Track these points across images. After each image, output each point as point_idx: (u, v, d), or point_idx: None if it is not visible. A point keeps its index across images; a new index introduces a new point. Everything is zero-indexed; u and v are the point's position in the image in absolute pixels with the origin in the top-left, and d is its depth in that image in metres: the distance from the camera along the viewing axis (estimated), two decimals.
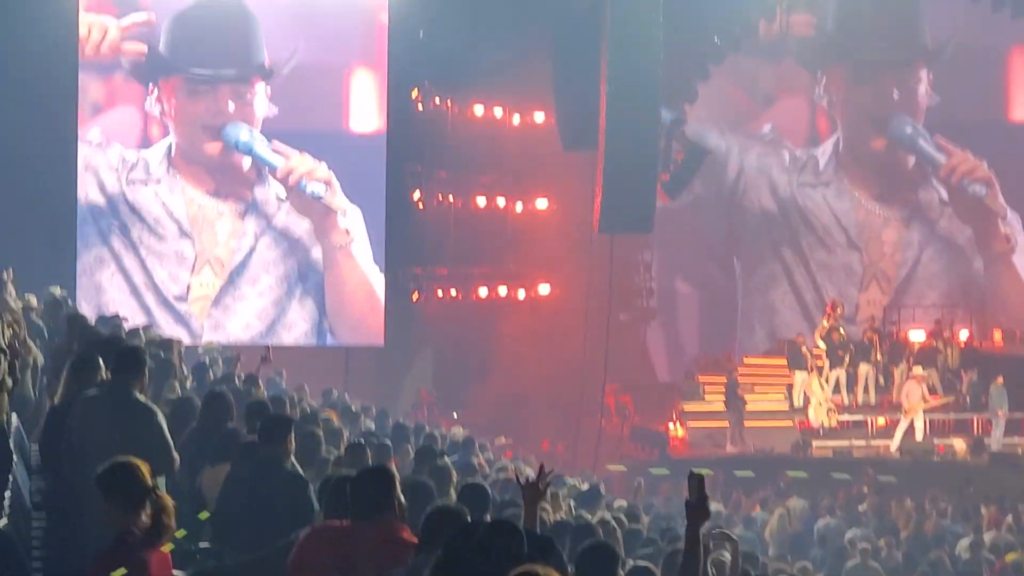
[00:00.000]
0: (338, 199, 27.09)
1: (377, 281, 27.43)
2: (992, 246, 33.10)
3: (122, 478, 6.06)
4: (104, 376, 8.93)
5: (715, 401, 29.39)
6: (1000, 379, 26.83)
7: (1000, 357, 29.03)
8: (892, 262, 34.09)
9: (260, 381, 14.88)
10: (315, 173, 26.96)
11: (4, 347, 8.99)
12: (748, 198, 34.67)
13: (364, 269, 27.44)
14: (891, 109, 32.98)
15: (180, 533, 6.16)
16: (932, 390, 27.53)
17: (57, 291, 17.93)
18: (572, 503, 13.44)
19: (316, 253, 27.45)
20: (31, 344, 12.15)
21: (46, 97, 25.06)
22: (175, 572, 6.60)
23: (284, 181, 27.06)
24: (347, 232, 27.22)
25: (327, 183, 26.94)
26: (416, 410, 26.91)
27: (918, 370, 27.32)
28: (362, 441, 11.24)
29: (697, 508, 6.38)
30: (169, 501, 6.16)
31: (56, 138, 25.74)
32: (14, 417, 11.14)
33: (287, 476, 8.47)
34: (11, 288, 16.25)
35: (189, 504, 9.42)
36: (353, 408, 17.70)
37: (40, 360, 12.03)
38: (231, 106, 27.12)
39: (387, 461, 9.97)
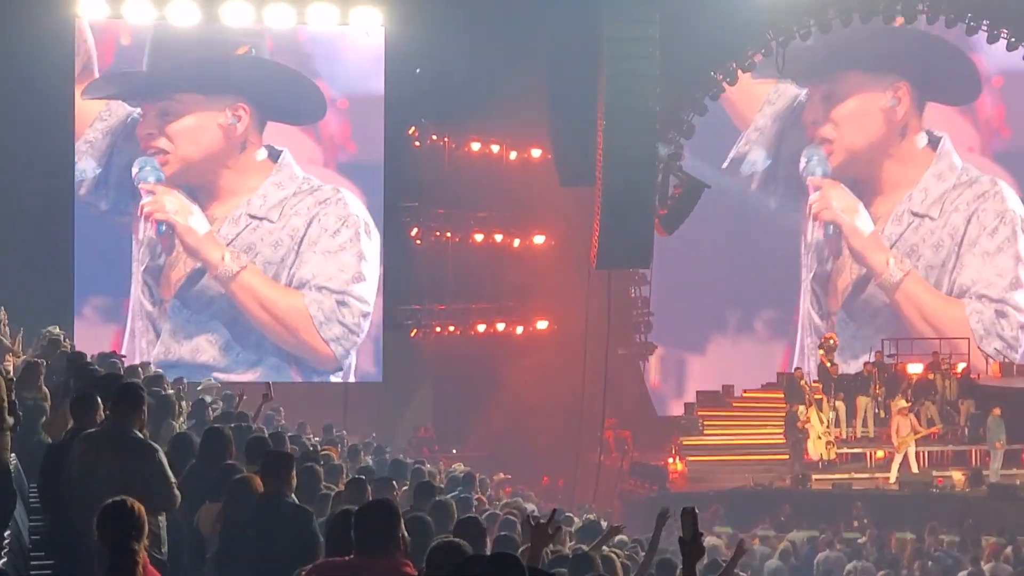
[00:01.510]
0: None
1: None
2: None
3: (127, 515, 6.04)
4: (103, 414, 8.90)
5: (714, 435, 29.44)
6: (997, 411, 26.81)
7: (997, 389, 29.01)
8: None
9: (259, 418, 14.91)
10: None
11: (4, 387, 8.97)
12: (746, 230, 34.84)
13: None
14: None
15: None
16: (931, 423, 27.49)
17: (54, 330, 17.95)
18: (571, 536, 13.44)
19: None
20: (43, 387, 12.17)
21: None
22: None
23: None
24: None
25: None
26: (414, 446, 26.90)
27: (903, 403, 27.27)
28: (363, 476, 11.20)
29: (692, 545, 6.32)
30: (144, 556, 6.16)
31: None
32: (13, 457, 11.13)
33: (292, 510, 8.44)
34: (4, 328, 16.25)
35: (190, 540, 9.40)
36: (354, 444, 17.69)
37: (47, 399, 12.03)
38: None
39: (388, 495, 9.91)
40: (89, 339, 23.08)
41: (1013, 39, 30.32)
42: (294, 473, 8.86)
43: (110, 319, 27.41)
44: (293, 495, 8.73)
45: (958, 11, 29.97)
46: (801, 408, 27.83)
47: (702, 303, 34.58)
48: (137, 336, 27.46)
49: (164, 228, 27.59)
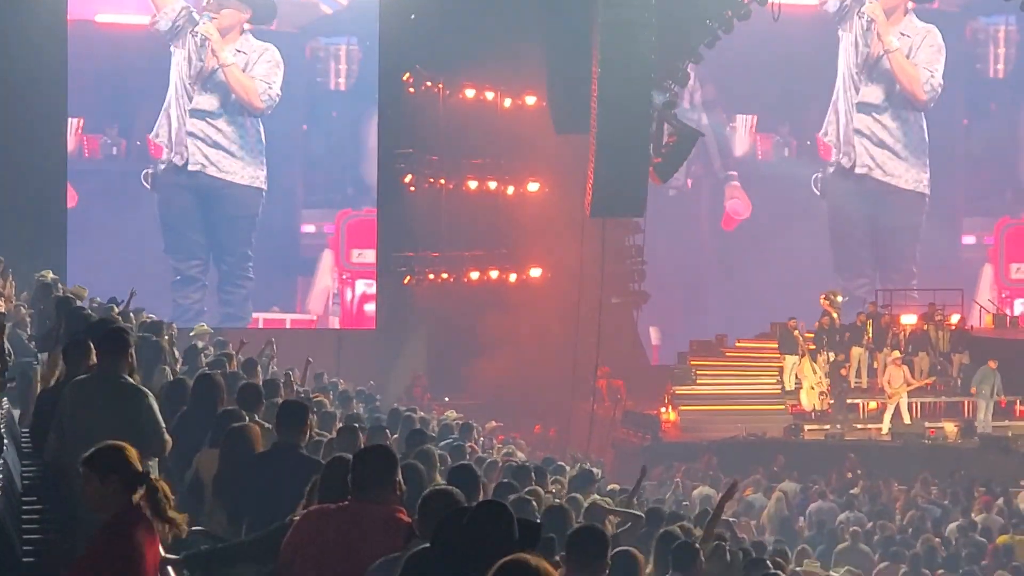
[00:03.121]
0: None
1: None
2: None
3: (116, 460, 5.99)
4: (94, 360, 8.86)
5: (707, 384, 29.48)
6: (993, 363, 26.84)
7: (991, 341, 29.04)
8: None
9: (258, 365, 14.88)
10: None
11: None
12: (740, 181, 34.94)
13: None
14: None
15: (183, 522, 6.09)
16: (921, 374, 27.56)
17: (48, 275, 17.89)
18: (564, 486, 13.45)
19: None
20: None
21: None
22: (168, 555, 6.56)
23: None
24: None
25: None
26: (409, 393, 26.92)
27: (896, 354, 27.36)
28: (356, 424, 11.18)
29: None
30: (164, 485, 6.12)
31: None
32: (6, 402, 11.12)
33: (305, 462, 8.38)
34: None
35: (180, 486, 9.38)
36: (348, 392, 17.68)
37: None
38: None
39: (383, 442, 9.90)
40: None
41: None
42: (308, 424, 8.85)
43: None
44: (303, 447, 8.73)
45: None
46: (793, 358, 27.94)
47: (697, 251, 34.70)
48: None
49: None
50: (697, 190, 34.89)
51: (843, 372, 27.70)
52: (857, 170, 34.43)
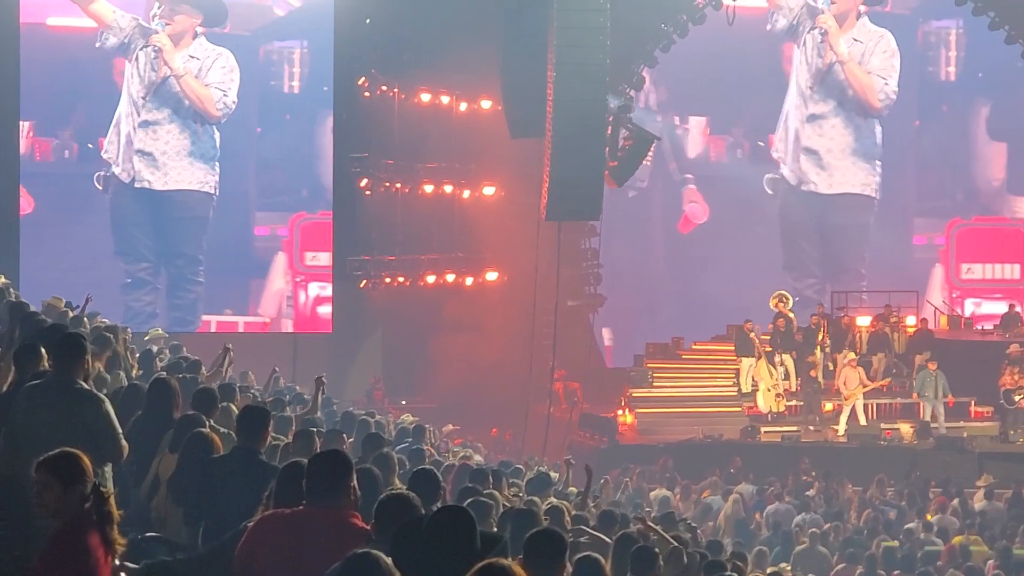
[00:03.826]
0: None
1: None
2: None
3: (79, 468, 5.99)
4: (47, 365, 8.77)
5: (663, 387, 29.51)
6: (932, 364, 26.96)
7: (947, 342, 29.18)
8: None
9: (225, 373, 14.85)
10: None
11: None
12: (695, 184, 35.10)
13: None
14: None
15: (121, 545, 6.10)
16: (877, 376, 27.68)
17: (0, 279, 17.72)
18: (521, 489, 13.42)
19: None
20: None
21: None
22: (128, 564, 6.53)
23: None
24: None
25: None
26: (370, 396, 26.84)
27: (851, 355, 27.48)
28: (311, 428, 11.11)
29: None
30: (110, 492, 6.12)
31: None
32: None
33: (264, 468, 8.32)
34: None
35: (136, 490, 9.30)
36: (303, 395, 17.58)
37: None
38: None
39: (339, 447, 9.85)
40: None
41: None
42: (268, 429, 8.80)
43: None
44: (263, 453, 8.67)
45: None
46: (749, 360, 28.02)
47: (652, 255, 34.77)
48: None
49: None
50: (652, 193, 34.93)
51: (812, 373, 27.78)
52: (803, 188, 34.59)
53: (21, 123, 27.30)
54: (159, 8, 27.60)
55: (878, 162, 34.70)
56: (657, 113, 34.07)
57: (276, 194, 28.98)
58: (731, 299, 31.32)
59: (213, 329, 27.22)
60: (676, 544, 11.43)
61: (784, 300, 28.87)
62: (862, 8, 33.97)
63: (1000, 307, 32.38)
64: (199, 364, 15.01)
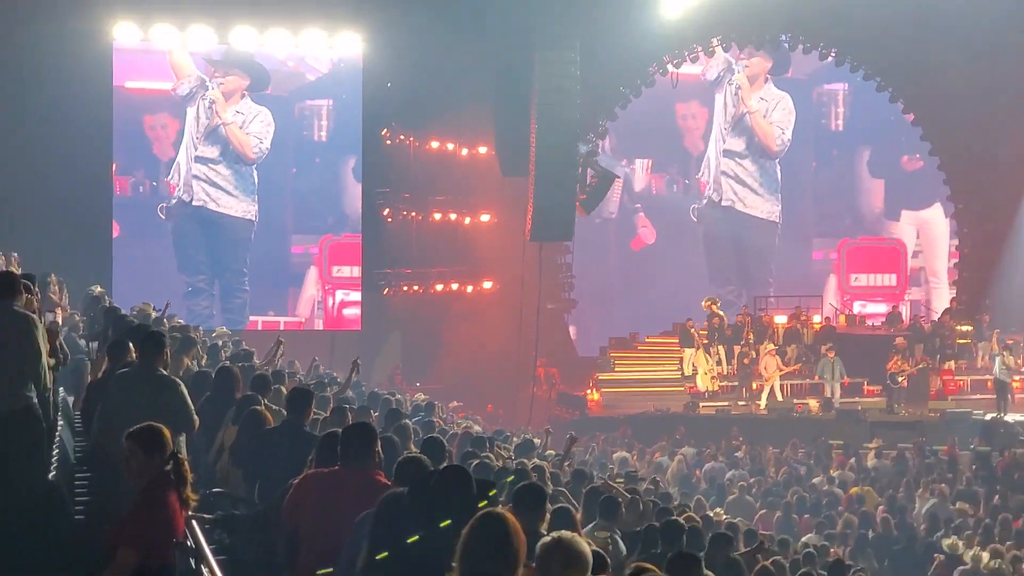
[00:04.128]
0: None
1: None
2: None
3: (159, 438, 5.97)
4: (134, 356, 8.68)
5: (623, 371, 29.47)
6: (831, 353, 26.92)
7: (845, 336, 29.17)
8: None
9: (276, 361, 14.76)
10: None
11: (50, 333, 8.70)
12: (647, 212, 35.19)
13: None
14: None
15: (193, 501, 6.04)
16: (790, 362, 27.65)
17: (96, 289, 17.64)
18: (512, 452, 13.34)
19: None
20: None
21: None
22: (203, 515, 6.52)
23: None
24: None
25: None
26: (391, 380, 26.73)
27: (770, 346, 27.46)
28: (345, 406, 11.01)
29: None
30: (185, 458, 6.08)
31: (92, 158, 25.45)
32: (62, 391, 10.88)
33: (307, 437, 8.25)
34: (55, 287, 15.95)
35: (204, 456, 9.20)
36: (338, 378, 17.46)
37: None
38: None
39: (367, 420, 9.75)
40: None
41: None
42: (311, 407, 8.77)
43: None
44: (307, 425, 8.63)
45: (812, 41, 30.52)
46: (690, 350, 27.95)
47: (615, 267, 34.77)
48: None
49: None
50: (610, 220, 35.02)
51: (746, 361, 27.65)
52: (723, 203, 35.04)
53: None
54: (217, 70, 27.62)
55: (779, 195, 35.09)
56: (611, 156, 34.12)
57: (308, 220, 28.83)
58: (674, 302, 31.26)
59: (259, 327, 27.06)
60: (633, 496, 11.38)
61: (715, 302, 28.87)
62: (768, 69, 34.36)
63: (881, 308, 32.57)
64: (252, 354, 14.93)
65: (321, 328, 28.18)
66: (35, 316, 8.15)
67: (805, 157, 35.53)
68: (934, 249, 34.71)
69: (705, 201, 35.11)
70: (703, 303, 28.90)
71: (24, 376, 7.88)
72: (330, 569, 6.10)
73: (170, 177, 27.66)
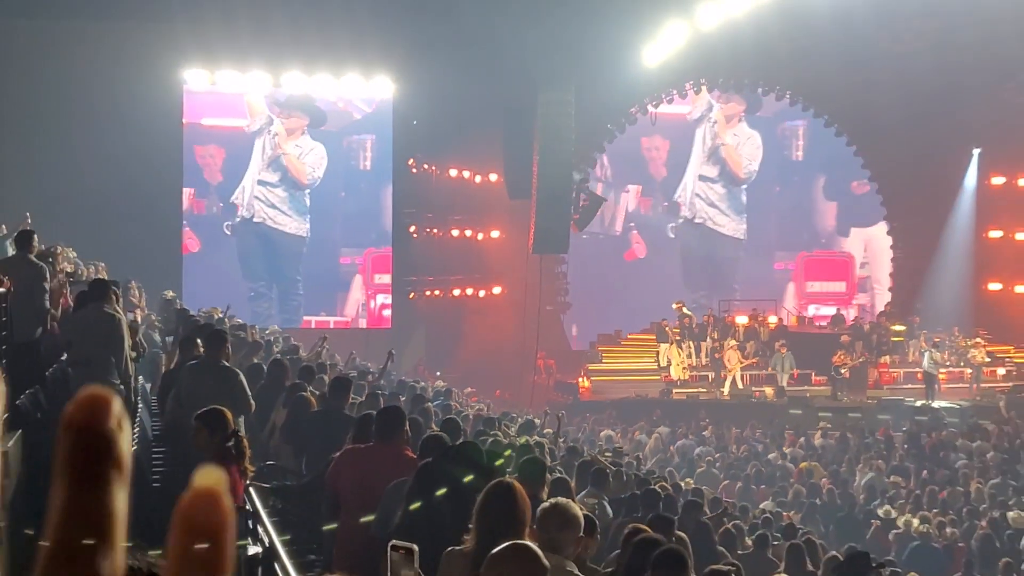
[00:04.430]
0: None
1: None
2: None
3: (222, 419, 5.97)
4: (200, 350, 8.74)
5: (609, 362, 29.45)
6: (784, 348, 26.91)
7: (797, 334, 29.16)
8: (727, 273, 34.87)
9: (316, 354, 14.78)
10: None
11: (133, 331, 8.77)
12: (631, 231, 35.22)
13: None
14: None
15: (251, 470, 6.09)
16: (749, 356, 27.62)
17: (169, 293, 17.69)
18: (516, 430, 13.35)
19: None
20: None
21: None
22: (261, 484, 6.56)
23: None
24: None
25: None
26: (415, 371, 26.74)
27: (733, 342, 27.43)
28: (377, 391, 11.06)
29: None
30: (244, 435, 6.12)
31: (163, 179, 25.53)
32: (141, 378, 10.93)
33: (346, 420, 8.29)
34: (135, 292, 16.02)
35: (260, 434, 9.25)
36: (371, 368, 17.50)
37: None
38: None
39: (396, 404, 9.78)
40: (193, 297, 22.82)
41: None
42: (349, 393, 8.80)
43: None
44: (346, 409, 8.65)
45: (771, 85, 30.54)
46: (665, 345, 27.93)
47: (603, 276, 34.77)
48: None
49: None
50: (598, 235, 35.09)
51: (717, 356, 27.66)
52: (696, 220, 35.05)
53: (185, 190, 27.29)
54: (282, 110, 27.71)
55: (744, 216, 35.18)
56: (610, 184, 34.41)
57: (355, 235, 28.87)
58: (652, 304, 31.27)
59: (313, 326, 27.09)
60: (618, 468, 11.40)
61: (682, 304, 28.95)
62: (742, 112, 34.43)
63: (832, 311, 32.54)
64: (299, 348, 14.96)
65: (364, 327, 28.20)
66: (121, 315, 8.23)
67: (770, 182, 35.65)
68: (878, 261, 34.67)
69: (681, 220, 35.34)
70: (673, 305, 28.92)
71: (112, 364, 7.96)
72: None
73: (234, 197, 27.76)
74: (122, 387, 8.02)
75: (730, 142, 34.69)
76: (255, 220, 27.70)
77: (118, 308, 8.52)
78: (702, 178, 34.93)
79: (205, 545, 0.51)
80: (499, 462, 5.88)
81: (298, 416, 8.66)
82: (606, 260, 35.01)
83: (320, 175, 28.02)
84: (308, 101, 27.68)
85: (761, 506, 16.86)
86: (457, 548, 4.33)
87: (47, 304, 8.54)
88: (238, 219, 27.72)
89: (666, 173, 35.20)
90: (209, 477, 0.53)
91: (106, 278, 10.27)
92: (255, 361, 11.35)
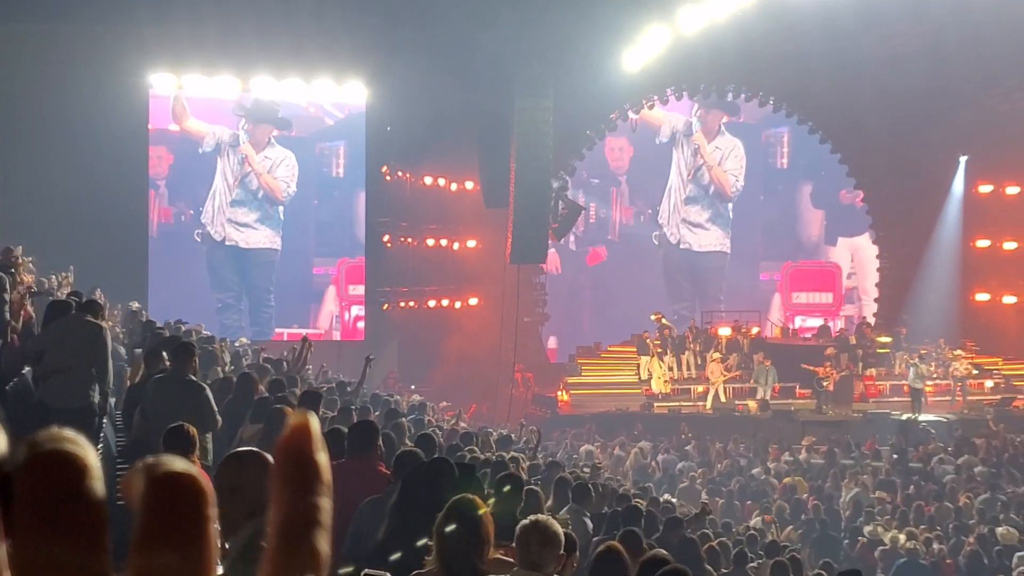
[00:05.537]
0: None
1: None
2: None
3: (191, 435, 5.97)
4: (166, 364, 8.70)
5: (588, 375, 29.48)
6: (767, 361, 27.04)
7: (779, 346, 29.28)
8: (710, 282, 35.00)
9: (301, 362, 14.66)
10: None
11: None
12: (610, 239, 35.28)
13: None
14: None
15: None
16: (729, 368, 27.71)
17: (135, 304, 17.59)
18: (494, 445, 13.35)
19: None
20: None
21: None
22: None
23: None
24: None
25: None
26: (385, 384, 26.67)
27: (715, 355, 27.53)
28: (350, 407, 11.04)
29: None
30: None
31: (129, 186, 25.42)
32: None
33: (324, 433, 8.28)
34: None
35: (227, 448, 9.20)
36: (341, 381, 17.45)
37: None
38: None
39: (368, 419, 9.77)
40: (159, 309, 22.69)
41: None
42: (319, 406, 8.80)
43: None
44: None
45: (754, 91, 30.71)
46: (646, 358, 27.99)
47: (582, 286, 34.83)
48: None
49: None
50: (568, 246, 35.23)
51: (704, 372, 27.76)
52: (681, 246, 35.20)
53: (152, 195, 27.20)
54: (246, 123, 27.61)
55: (729, 230, 35.32)
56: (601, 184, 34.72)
57: (328, 245, 28.81)
58: (633, 316, 31.36)
59: (285, 338, 26.99)
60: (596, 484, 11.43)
61: (661, 316, 29.06)
62: (723, 121, 34.49)
63: (819, 322, 32.70)
64: (269, 369, 14.82)
65: (338, 339, 28.14)
66: (106, 327, 8.21)
67: (755, 191, 35.80)
68: (865, 271, 34.91)
69: (664, 233, 35.46)
70: (651, 316, 29.03)
71: (92, 376, 7.94)
72: (351, 568, 6.11)
73: (203, 216, 27.61)
74: (97, 401, 7.98)
75: (713, 160, 34.77)
76: (226, 244, 27.62)
77: (102, 322, 8.49)
78: (688, 200, 35.02)
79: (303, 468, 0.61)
80: (472, 477, 5.89)
81: (273, 430, 8.63)
82: (573, 269, 35.12)
83: (294, 189, 27.98)
84: (273, 107, 27.58)
85: (750, 522, 16.89)
86: (421, 572, 4.31)
87: (7, 315, 8.50)
88: (205, 232, 27.60)
89: (627, 168, 35.24)
90: (301, 416, 0.63)
91: (71, 282, 10.19)
92: (222, 375, 11.31)
